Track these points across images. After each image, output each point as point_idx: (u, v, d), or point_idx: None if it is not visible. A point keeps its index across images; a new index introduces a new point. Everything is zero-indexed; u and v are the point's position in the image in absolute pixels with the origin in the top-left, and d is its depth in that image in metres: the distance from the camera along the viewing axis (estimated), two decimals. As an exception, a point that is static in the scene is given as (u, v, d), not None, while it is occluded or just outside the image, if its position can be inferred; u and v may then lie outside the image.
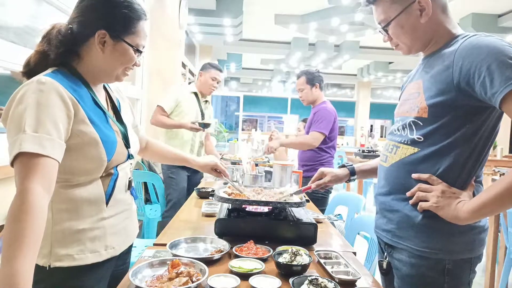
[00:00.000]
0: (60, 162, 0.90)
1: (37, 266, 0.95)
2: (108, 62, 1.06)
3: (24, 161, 0.83)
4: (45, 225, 0.96)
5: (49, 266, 0.97)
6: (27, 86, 0.90)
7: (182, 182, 2.99)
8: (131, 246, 1.25)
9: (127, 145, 1.12)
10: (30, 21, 2.26)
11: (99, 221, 1.05)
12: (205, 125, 2.95)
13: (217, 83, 3.10)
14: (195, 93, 3.09)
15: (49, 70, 0.99)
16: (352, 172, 1.48)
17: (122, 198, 1.13)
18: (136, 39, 1.07)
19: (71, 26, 1.03)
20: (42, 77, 0.93)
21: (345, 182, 1.50)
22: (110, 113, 1.13)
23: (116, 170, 1.09)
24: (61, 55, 1.01)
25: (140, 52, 1.10)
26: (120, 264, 1.18)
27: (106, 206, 1.07)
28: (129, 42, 1.06)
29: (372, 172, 1.47)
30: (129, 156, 1.14)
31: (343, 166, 1.51)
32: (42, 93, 0.89)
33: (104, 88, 1.18)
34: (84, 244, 1.01)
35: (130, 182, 1.15)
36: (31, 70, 1.00)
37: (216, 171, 1.57)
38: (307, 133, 2.95)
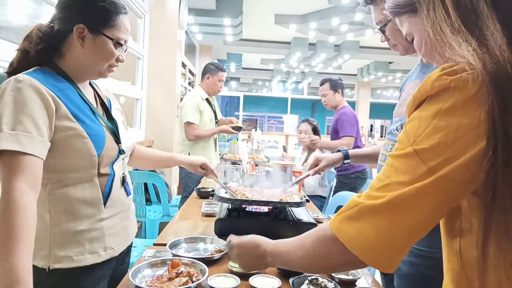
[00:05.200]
0: (43, 159, 0.90)
1: (36, 267, 0.95)
2: (88, 57, 1.05)
3: (5, 160, 0.84)
4: (43, 227, 0.96)
5: (48, 268, 0.97)
6: (5, 85, 0.91)
7: (198, 179, 3.12)
8: (130, 246, 1.24)
9: (117, 140, 1.11)
10: (30, 21, 2.26)
11: (97, 222, 1.04)
12: (238, 128, 3.14)
13: (223, 82, 3.27)
14: (207, 99, 3.23)
15: (30, 69, 0.99)
16: (346, 156, 1.57)
17: (120, 198, 1.13)
18: (115, 32, 1.06)
19: (52, 24, 1.04)
20: (20, 75, 0.93)
21: (341, 165, 1.61)
22: (99, 109, 1.13)
23: (113, 170, 1.09)
24: (41, 52, 1.01)
25: (121, 45, 1.08)
26: (119, 264, 1.17)
27: (104, 206, 1.06)
28: (109, 35, 1.05)
29: (366, 157, 1.59)
30: (120, 152, 1.12)
31: (338, 151, 1.62)
32: (19, 91, 0.89)
33: (91, 86, 1.18)
34: (83, 245, 1.01)
35: (124, 178, 1.15)
36: (14, 69, 1.00)
37: (203, 169, 1.51)
38: (333, 138, 3.18)
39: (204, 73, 3.24)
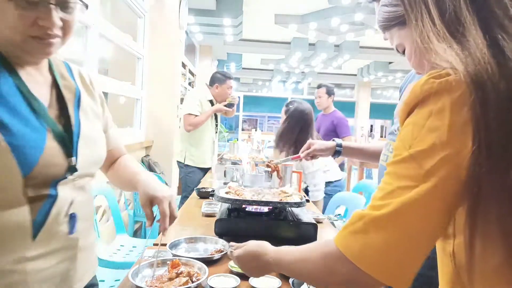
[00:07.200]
0: None
1: None
2: None
3: None
4: None
5: None
6: None
7: (197, 180, 3.16)
8: None
9: (68, 152, 0.80)
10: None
11: (19, 262, 0.74)
12: (230, 105, 3.32)
13: (232, 89, 3.40)
14: (211, 101, 3.31)
15: None
16: (339, 145, 1.60)
17: (61, 230, 0.81)
18: None
19: None
20: None
21: (332, 155, 1.62)
22: (52, 108, 0.82)
23: (55, 190, 0.79)
24: None
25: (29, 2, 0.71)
26: None
27: (33, 240, 0.76)
28: None
29: (358, 151, 1.62)
30: (71, 170, 0.81)
31: (333, 140, 1.65)
32: None
33: (52, 72, 0.87)
34: None
35: (71, 205, 0.82)
36: None
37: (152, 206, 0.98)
38: (329, 137, 3.28)
39: (212, 82, 3.32)
